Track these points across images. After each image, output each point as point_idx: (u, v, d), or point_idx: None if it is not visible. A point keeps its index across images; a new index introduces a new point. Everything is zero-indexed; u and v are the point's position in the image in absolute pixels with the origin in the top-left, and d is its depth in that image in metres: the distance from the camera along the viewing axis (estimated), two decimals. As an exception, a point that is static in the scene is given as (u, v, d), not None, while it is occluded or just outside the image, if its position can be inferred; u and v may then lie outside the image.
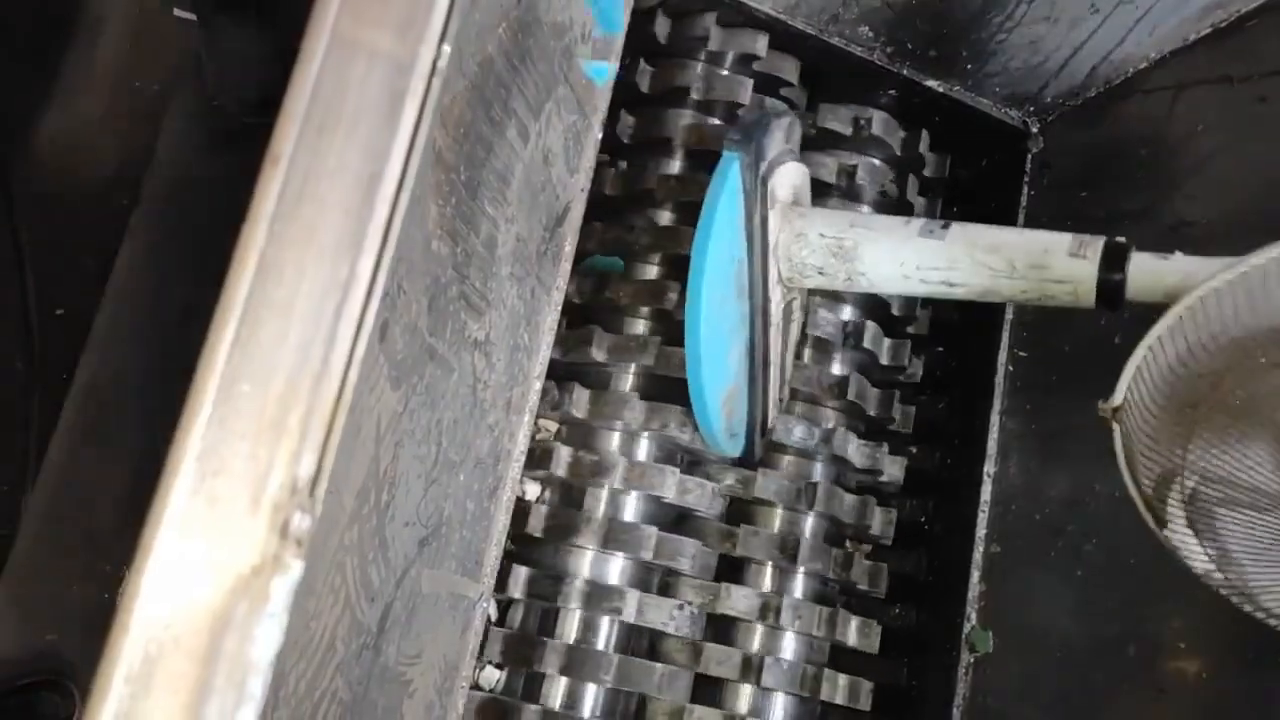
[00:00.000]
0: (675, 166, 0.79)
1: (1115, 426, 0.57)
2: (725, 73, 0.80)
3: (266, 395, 0.25)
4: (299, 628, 0.41)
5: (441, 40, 0.28)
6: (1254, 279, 0.55)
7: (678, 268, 0.75)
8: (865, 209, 0.84)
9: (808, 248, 0.69)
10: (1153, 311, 0.57)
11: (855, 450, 0.79)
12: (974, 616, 0.75)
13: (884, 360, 0.82)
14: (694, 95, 0.79)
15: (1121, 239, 0.61)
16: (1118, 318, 0.75)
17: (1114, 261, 0.60)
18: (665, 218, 0.78)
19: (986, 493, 0.78)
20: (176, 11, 0.98)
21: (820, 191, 0.82)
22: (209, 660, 0.24)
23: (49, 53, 0.99)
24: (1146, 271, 0.59)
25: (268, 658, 0.25)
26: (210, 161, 0.88)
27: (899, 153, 0.84)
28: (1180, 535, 0.59)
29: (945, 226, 0.65)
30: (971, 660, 0.75)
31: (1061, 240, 0.62)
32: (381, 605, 0.49)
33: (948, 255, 0.65)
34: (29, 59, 0.99)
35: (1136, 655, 0.67)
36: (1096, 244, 0.61)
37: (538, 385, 0.67)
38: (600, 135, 0.71)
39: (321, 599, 0.43)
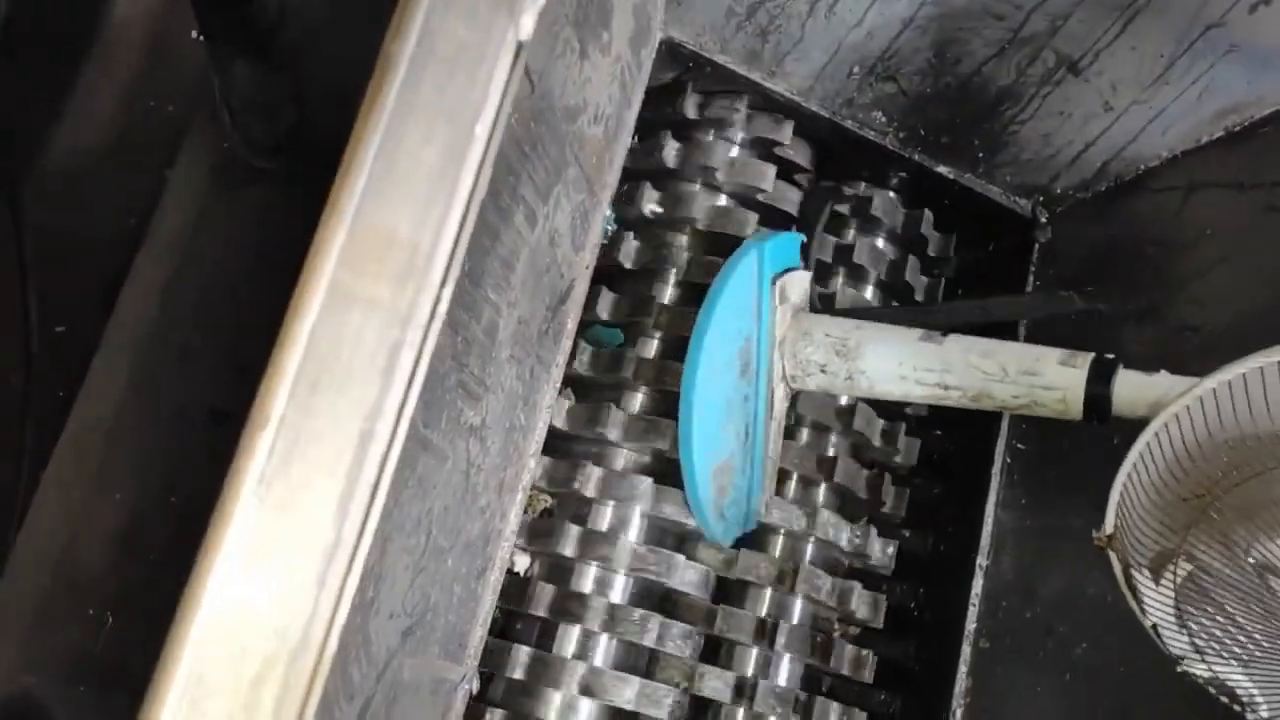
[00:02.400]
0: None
1: (1111, 554, 0.57)
2: (747, 156, 0.80)
3: (242, 673, 0.25)
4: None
5: (443, 285, 0.28)
6: (1221, 394, 0.55)
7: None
8: (868, 289, 0.84)
9: (812, 345, 0.72)
10: (1139, 427, 0.58)
11: (842, 532, 0.78)
12: (959, 714, 0.75)
13: (876, 442, 0.81)
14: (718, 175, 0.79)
15: (1110, 355, 0.63)
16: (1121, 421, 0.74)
17: (1102, 374, 0.62)
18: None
19: (978, 585, 0.77)
20: (195, 34, 0.98)
21: (821, 270, 0.82)
22: None
23: (63, 70, 0.99)
24: (1132, 386, 0.61)
25: None
26: (219, 205, 0.88)
27: (900, 232, 0.84)
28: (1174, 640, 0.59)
29: (945, 334, 0.68)
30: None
31: (1053, 351, 0.65)
32: (361, 701, 0.49)
33: (943, 358, 0.67)
34: (43, 76, 0.99)
35: (1121, 768, 0.66)
36: (1086, 357, 0.64)
37: (532, 464, 0.67)
38: (608, 212, 0.71)
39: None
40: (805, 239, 0.78)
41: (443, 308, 0.28)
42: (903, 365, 0.68)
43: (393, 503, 0.48)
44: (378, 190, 0.28)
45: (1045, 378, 0.64)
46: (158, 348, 0.83)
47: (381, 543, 0.48)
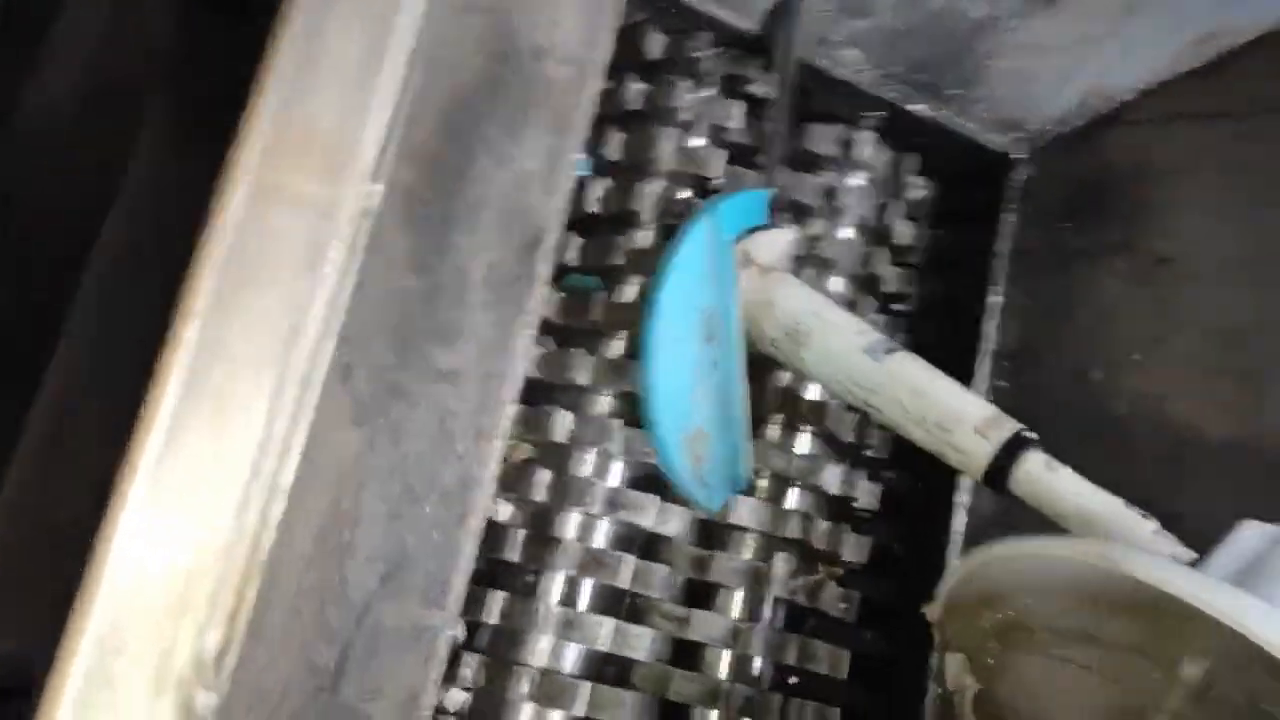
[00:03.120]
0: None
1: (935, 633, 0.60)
2: (715, 95, 0.79)
3: (173, 569, 0.24)
4: (251, 677, 0.41)
5: (372, 180, 0.27)
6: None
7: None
8: (849, 231, 0.83)
9: (769, 320, 0.72)
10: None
11: (831, 476, 0.79)
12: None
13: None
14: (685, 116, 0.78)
15: (1033, 435, 0.64)
16: (1096, 354, 0.75)
17: (1011, 451, 0.63)
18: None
19: (959, 522, 0.78)
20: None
21: (802, 212, 0.81)
22: None
23: (25, 29, 0.97)
24: (1030, 475, 0.63)
25: None
26: (184, 164, 0.86)
27: (883, 175, 0.84)
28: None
29: (890, 351, 0.69)
30: (940, 692, 0.75)
31: (978, 413, 0.66)
32: (340, 645, 0.49)
33: (875, 380, 0.69)
34: (2, 36, 0.97)
35: None
36: (1003, 430, 0.64)
37: (510, 410, 0.66)
38: (578, 155, 0.70)
39: (275, 647, 0.42)
40: (772, 194, 0.77)
41: (373, 203, 0.28)
42: (838, 371, 0.70)
43: (365, 447, 0.48)
44: (300, 86, 0.27)
45: (955, 438, 0.66)
46: (128, 315, 0.82)
47: (355, 487, 0.48)
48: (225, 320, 0.26)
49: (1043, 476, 0.62)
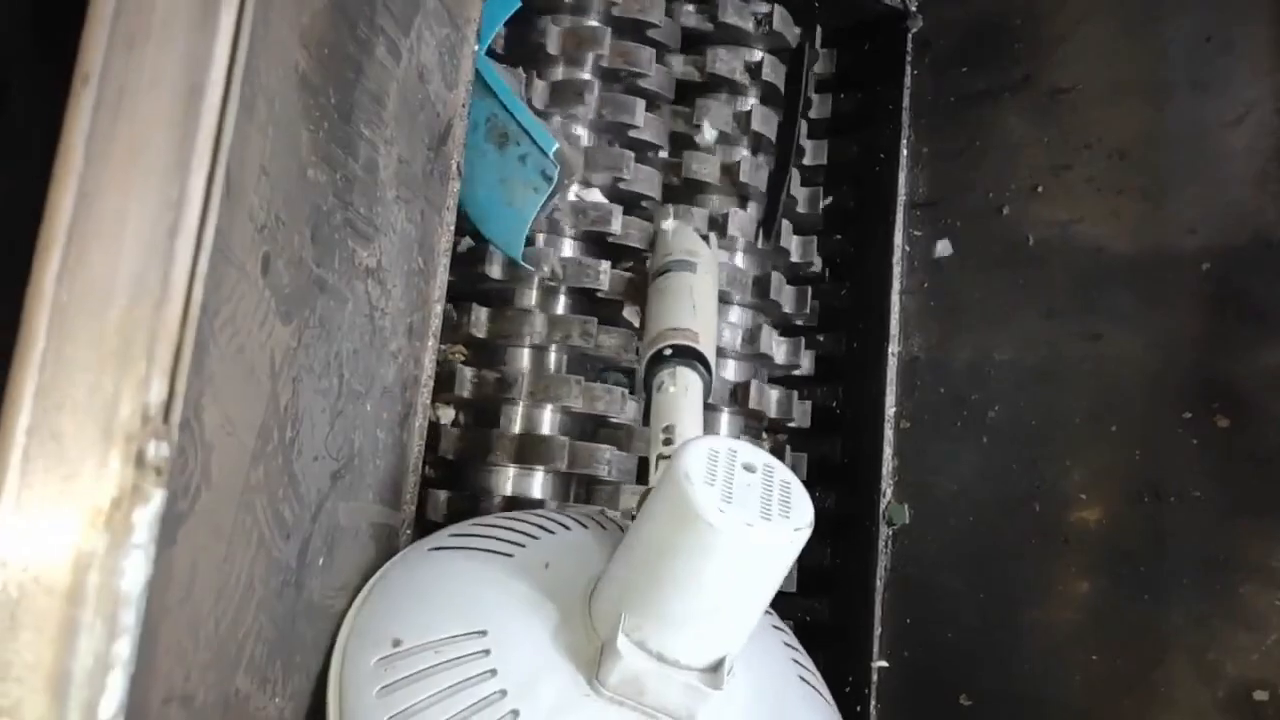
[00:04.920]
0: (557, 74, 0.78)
1: None
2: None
3: (104, 324, 0.24)
4: (211, 571, 0.41)
5: None
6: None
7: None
8: (750, 101, 0.84)
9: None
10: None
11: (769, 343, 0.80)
12: (890, 493, 0.78)
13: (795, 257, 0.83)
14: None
15: (683, 351, 0.67)
16: (1004, 189, 0.77)
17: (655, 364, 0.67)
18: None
19: (893, 371, 0.80)
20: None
21: (717, 87, 0.82)
22: (74, 598, 0.24)
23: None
24: (654, 389, 0.65)
25: (137, 590, 0.25)
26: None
27: (792, 46, 0.84)
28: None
29: (663, 272, 0.72)
30: (890, 534, 0.78)
31: (655, 329, 0.69)
32: (299, 541, 0.49)
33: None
34: None
35: (1041, 511, 0.70)
36: (657, 344, 0.67)
37: (439, 309, 0.66)
38: (476, 47, 0.69)
39: (234, 541, 0.42)
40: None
41: None
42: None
43: (295, 342, 0.48)
44: None
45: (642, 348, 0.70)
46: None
47: (291, 382, 0.47)
48: (123, 78, 0.26)
49: (665, 388, 0.64)
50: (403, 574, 0.55)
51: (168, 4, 0.26)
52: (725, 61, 0.81)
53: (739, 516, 0.43)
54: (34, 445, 0.24)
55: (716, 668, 0.46)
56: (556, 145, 0.73)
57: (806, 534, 0.45)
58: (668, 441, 0.58)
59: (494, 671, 0.47)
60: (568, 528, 0.58)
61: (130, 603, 0.25)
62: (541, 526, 0.57)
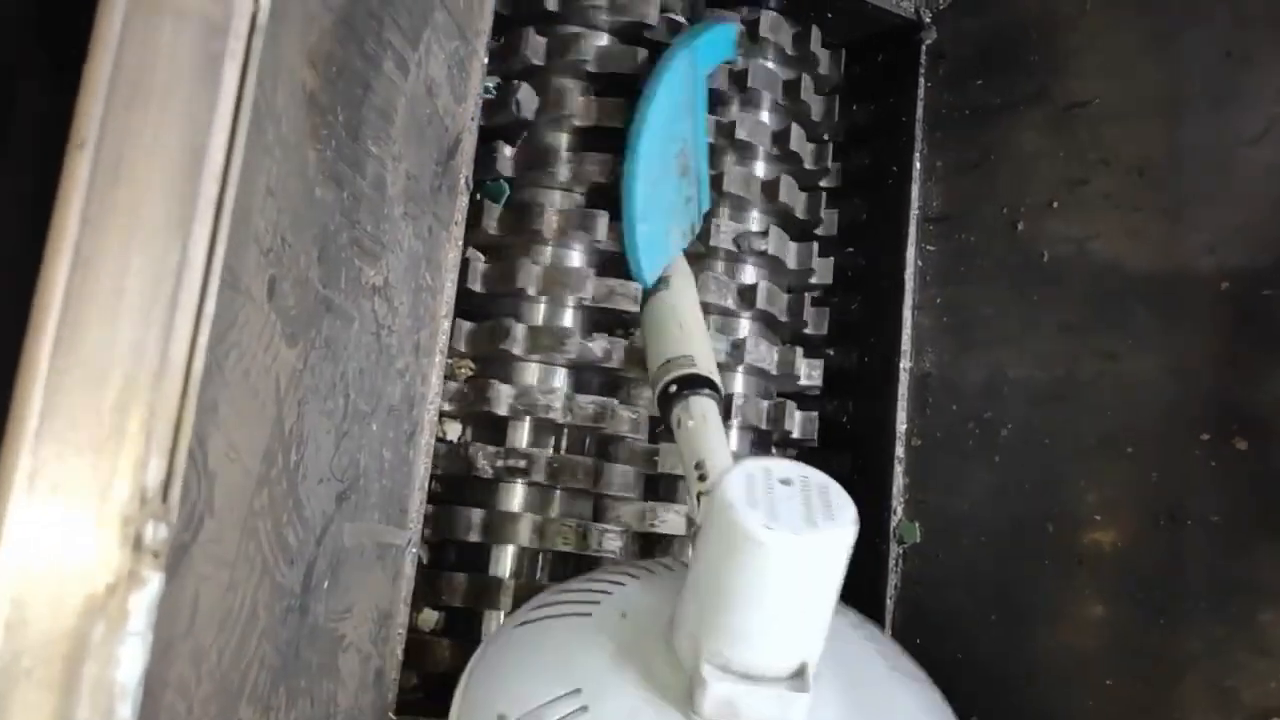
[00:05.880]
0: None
1: None
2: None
3: (101, 401, 0.23)
4: (214, 601, 0.40)
5: None
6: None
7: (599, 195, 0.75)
8: (764, 115, 0.83)
9: None
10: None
11: (770, 356, 0.79)
12: (900, 510, 0.77)
13: (791, 265, 0.82)
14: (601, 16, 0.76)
15: (701, 380, 0.68)
16: (1018, 205, 0.76)
17: (672, 396, 0.67)
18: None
19: (904, 388, 0.79)
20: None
21: (716, 100, 0.80)
22: (68, 690, 0.23)
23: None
24: (677, 421, 0.66)
25: (133, 680, 0.24)
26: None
27: (791, 53, 0.83)
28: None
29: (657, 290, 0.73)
30: (901, 552, 0.77)
31: (667, 354, 0.70)
32: (303, 565, 0.48)
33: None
34: None
35: (1055, 532, 0.69)
36: (671, 373, 0.68)
37: (446, 325, 0.66)
38: (486, 60, 0.68)
39: (237, 569, 0.42)
40: (741, 28, 0.78)
41: (262, 19, 0.27)
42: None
43: (301, 364, 0.47)
44: None
45: (651, 375, 0.70)
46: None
47: (297, 405, 0.47)
48: (121, 144, 0.25)
49: (676, 430, 0.65)
50: (495, 654, 0.57)
51: (168, 62, 0.25)
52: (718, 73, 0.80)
53: (786, 529, 0.45)
54: (29, 533, 0.23)
55: (801, 673, 0.48)
56: (709, 208, 0.74)
57: (853, 529, 0.47)
58: (702, 478, 0.60)
59: None
60: (636, 577, 0.60)
61: (126, 695, 0.24)
62: (612, 582, 0.60)
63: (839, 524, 0.46)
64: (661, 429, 0.75)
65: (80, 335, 0.23)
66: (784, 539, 0.45)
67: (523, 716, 0.50)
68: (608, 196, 0.75)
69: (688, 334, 0.70)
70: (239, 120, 0.26)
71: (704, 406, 0.65)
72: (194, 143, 0.25)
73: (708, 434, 0.64)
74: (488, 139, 0.73)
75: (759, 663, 0.48)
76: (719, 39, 0.76)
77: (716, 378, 0.68)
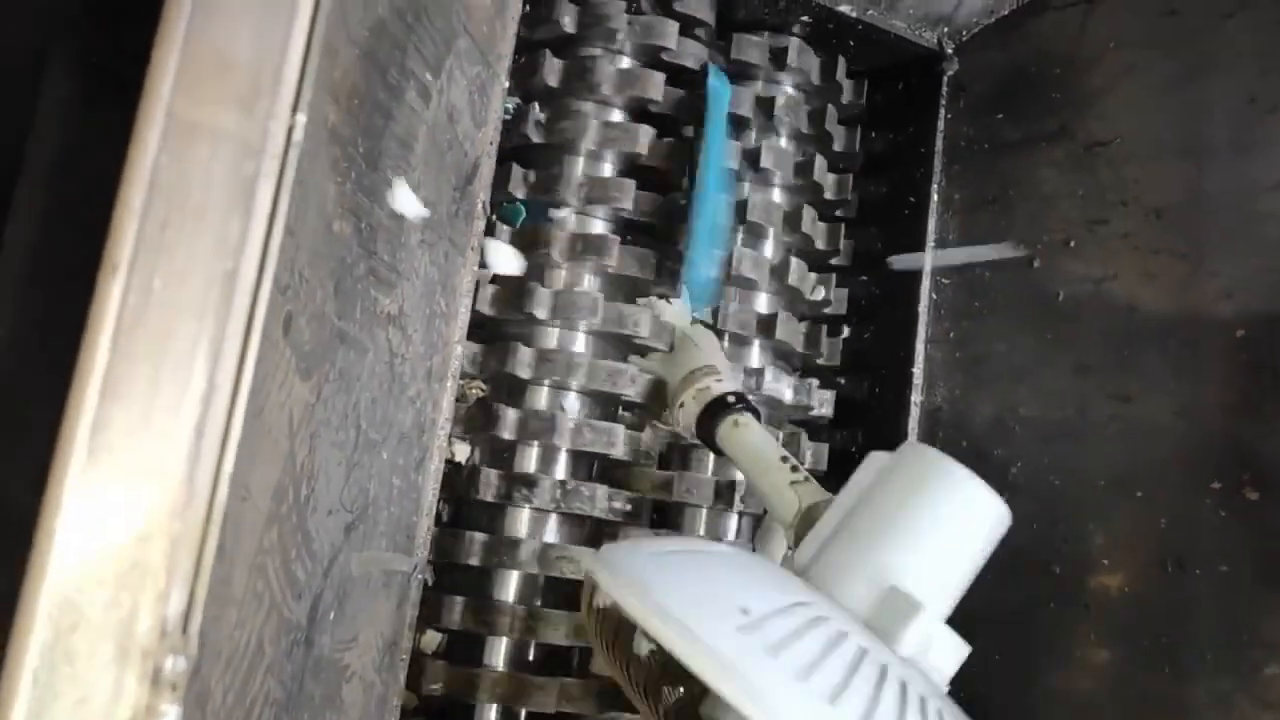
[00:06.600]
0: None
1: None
2: (647, 17, 0.77)
3: (123, 534, 0.23)
4: (221, 640, 0.40)
5: (294, 111, 0.26)
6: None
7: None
8: (784, 141, 0.82)
9: None
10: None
11: (785, 386, 0.79)
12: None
13: (809, 295, 0.81)
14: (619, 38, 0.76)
15: (735, 398, 0.71)
16: (1036, 242, 0.75)
17: (715, 413, 0.70)
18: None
19: (914, 421, 0.79)
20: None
21: (738, 125, 0.80)
22: None
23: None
24: (722, 434, 0.69)
25: None
26: (95, 123, 0.82)
27: (816, 81, 0.82)
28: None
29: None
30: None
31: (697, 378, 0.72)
32: (310, 599, 0.48)
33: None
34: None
35: (1062, 574, 0.69)
36: (708, 393, 0.71)
37: (459, 349, 0.65)
38: (507, 85, 0.68)
39: (244, 606, 0.42)
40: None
41: (298, 136, 0.27)
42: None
43: (314, 397, 0.47)
44: (209, 11, 0.26)
45: (680, 397, 0.72)
46: (48, 278, 0.79)
47: (309, 439, 0.47)
48: (154, 266, 0.25)
49: (729, 434, 0.67)
50: (677, 565, 0.50)
51: (202, 187, 0.25)
52: (743, 99, 0.79)
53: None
54: (48, 669, 0.23)
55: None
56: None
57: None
58: (795, 469, 0.63)
59: (844, 633, 0.47)
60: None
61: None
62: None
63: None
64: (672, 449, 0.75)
65: (104, 464, 0.23)
66: (990, 493, 0.57)
67: (770, 613, 0.46)
68: (621, 221, 0.75)
69: (708, 351, 0.74)
70: (270, 241, 0.26)
71: (748, 416, 0.68)
72: (228, 266, 0.25)
73: (766, 435, 0.67)
74: (502, 160, 0.73)
75: (943, 612, 0.56)
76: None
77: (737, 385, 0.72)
